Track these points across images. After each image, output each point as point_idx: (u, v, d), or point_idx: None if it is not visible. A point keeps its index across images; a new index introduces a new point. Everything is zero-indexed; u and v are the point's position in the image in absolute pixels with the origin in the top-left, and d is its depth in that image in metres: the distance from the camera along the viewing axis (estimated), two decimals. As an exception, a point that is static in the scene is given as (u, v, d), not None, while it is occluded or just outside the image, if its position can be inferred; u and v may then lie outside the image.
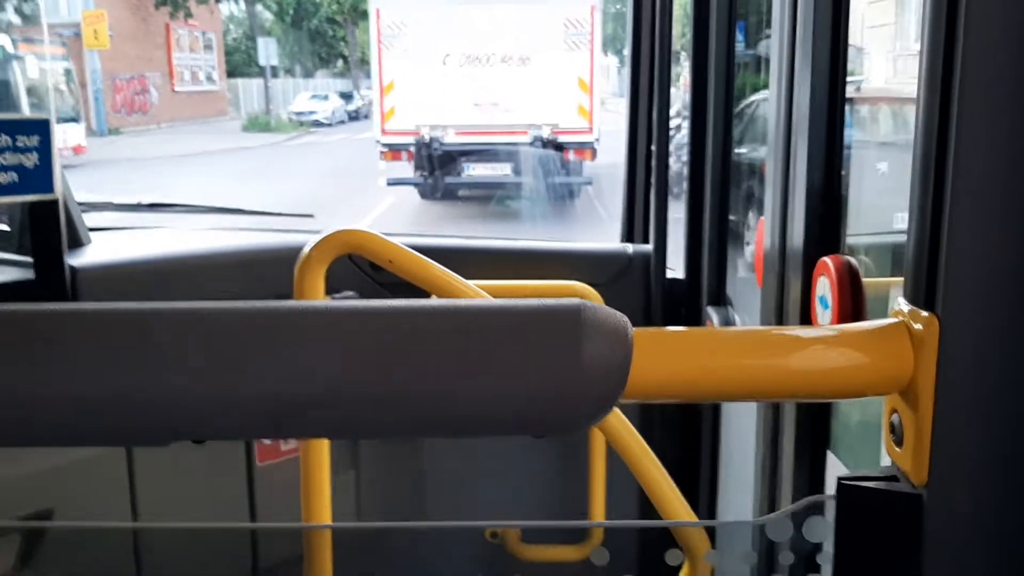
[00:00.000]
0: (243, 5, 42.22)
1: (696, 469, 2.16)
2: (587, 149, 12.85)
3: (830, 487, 1.40)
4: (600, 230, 11.20)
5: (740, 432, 1.92)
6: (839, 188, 1.39)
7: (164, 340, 0.52)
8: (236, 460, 2.12)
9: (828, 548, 0.62)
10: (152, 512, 1.98)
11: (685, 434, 2.21)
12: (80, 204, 2.25)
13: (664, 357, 0.58)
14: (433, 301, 0.55)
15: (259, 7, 41.18)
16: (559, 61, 12.91)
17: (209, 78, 34.82)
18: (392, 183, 13.35)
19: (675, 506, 1.34)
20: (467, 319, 0.53)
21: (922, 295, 0.60)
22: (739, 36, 2.20)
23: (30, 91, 15.16)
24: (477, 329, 0.53)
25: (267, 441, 2.13)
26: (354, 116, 33.73)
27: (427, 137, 12.89)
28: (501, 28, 12.95)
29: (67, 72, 17.72)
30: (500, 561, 2.27)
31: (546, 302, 0.54)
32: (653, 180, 2.41)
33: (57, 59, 17.82)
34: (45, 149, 1.80)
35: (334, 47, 42.76)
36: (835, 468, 1.38)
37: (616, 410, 0.54)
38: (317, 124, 31.22)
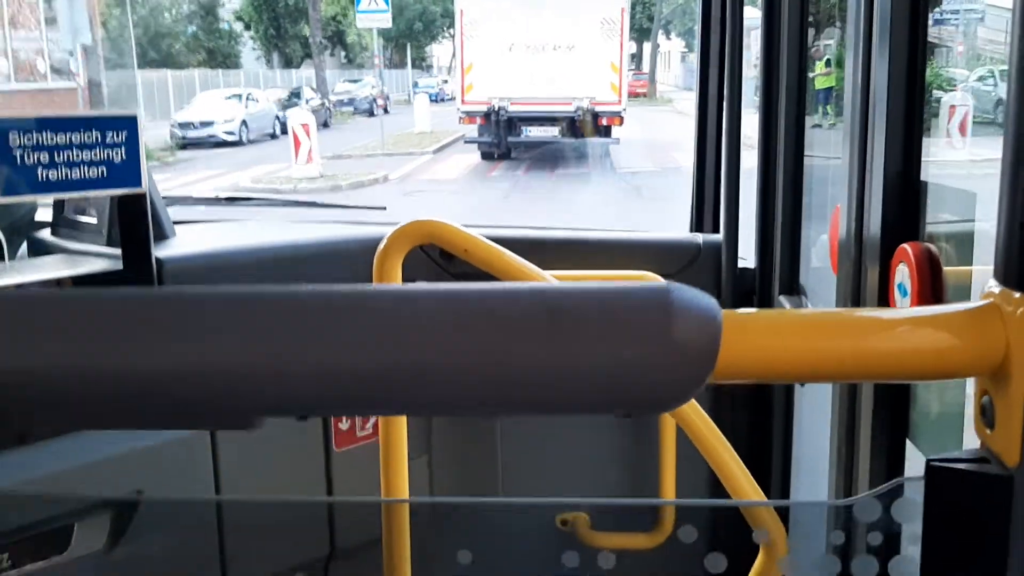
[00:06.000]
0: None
1: (768, 452, 2.13)
2: (616, 116, 17.34)
3: (909, 473, 1.37)
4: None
5: (813, 415, 1.90)
6: (918, 173, 1.36)
7: (262, 321, 0.54)
8: (314, 446, 2.18)
9: (914, 530, 0.62)
10: (233, 487, 2.04)
11: (757, 416, 2.19)
12: (163, 198, 2.33)
13: (753, 338, 0.59)
14: (527, 284, 0.56)
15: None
16: (596, 50, 17.11)
17: (57, 70, 21.32)
18: (468, 141, 18.24)
19: (746, 490, 1.33)
20: (560, 300, 0.54)
21: (1014, 276, 0.59)
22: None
23: None
24: (569, 310, 0.54)
25: (344, 427, 2.19)
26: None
27: (496, 106, 17.10)
28: (553, 24, 17.12)
29: None
30: (571, 548, 2.28)
31: (636, 284, 0.55)
32: (723, 168, 2.38)
33: None
34: (132, 144, 1.87)
35: (324, 30, 35.12)
36: (913, 457, 1.36)
37: None
38: (199, 143, 20.83)
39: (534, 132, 17.47)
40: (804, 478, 2.05)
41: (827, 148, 1.96)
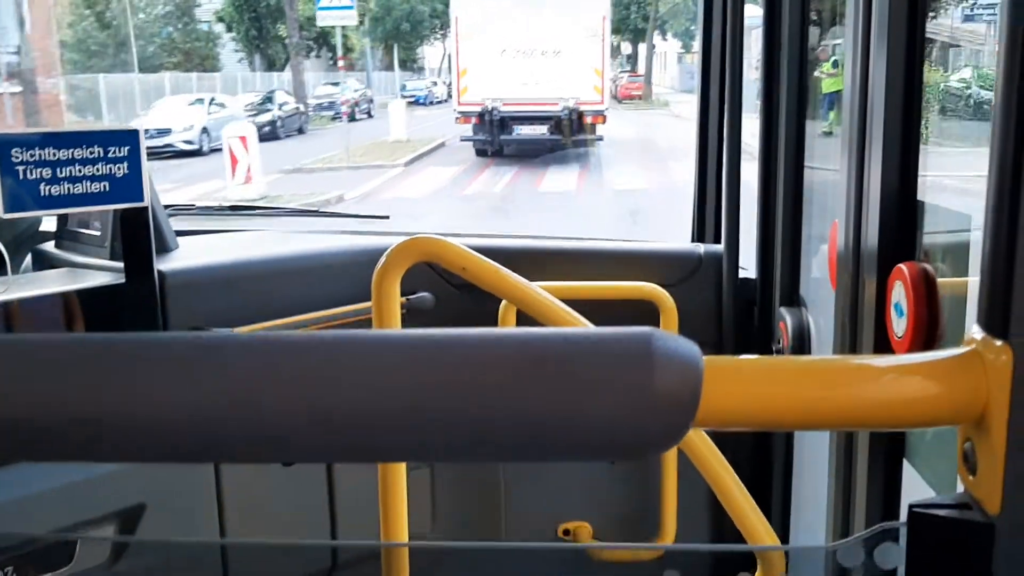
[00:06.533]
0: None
1: (768, 484, 2.13)
2: (600, 115, 18.92)
3: (906, 501, 1.39)
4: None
5: (814, 448, 1.90)
6: (915, 191, 1.37)
7: (249, 368, 0.55)
8: None
9: (900, 574, 0.62)
10: (236, 501, 2.06)
11: (758, 450, 2.19)
12: (165, 207, 2.34)
13: (735, 386, 0.59)
14: (505, 330, 0.57)
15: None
16: (581, 54, 18.69)
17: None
18: (465, 139, 19.54)
19: (752, 522, 1.33)
20: (539, 348, 0.54)
21: (997, 323, 0.59)
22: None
23: None
24: (549, 359, 0.54)
25: None
26: (270, 133, 22.85)
27: (489, 107, 18.56)
28: (542, 31, 18.67)
29: None
30: (572, 557, 2.29)
31: (617, 331, 0.55)
32: (724, 177, 2.38)
33: None
34: (135, 158, 1.88)
35: (307, 30, 32.63)
36: (912, 479, 1.37)
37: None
38: (155, 153, 18.14)
39: (525, 131, 19.07)
40: (805, 511, 2.04)
41: (834, 158, 1.95)
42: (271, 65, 35.98)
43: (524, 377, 0.53)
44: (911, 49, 1.35)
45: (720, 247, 2.37)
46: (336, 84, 33.46)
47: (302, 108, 27.71)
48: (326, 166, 19.18)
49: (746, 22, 2.33)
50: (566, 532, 2.40)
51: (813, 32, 2.01)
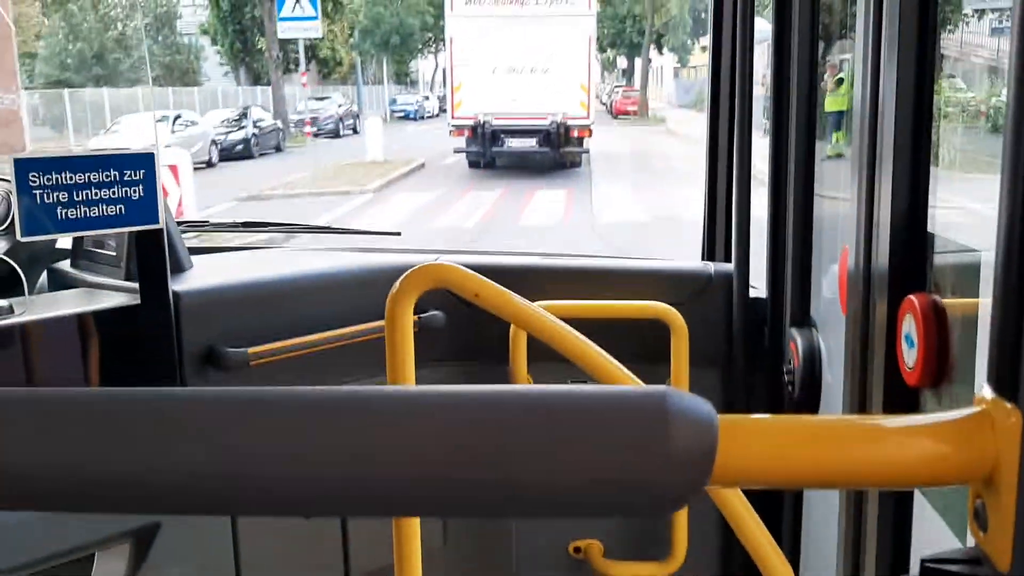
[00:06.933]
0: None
1: (778, 527, 2.11)
2: (586, 128, 20.24)
3: (917, 538, 1.39)
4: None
5: (825, 492, 1.89)
6: (925, 222, 1.37)
7: (268, 425, 0.55)
8: None
9: None
10: (250, 521, 2.06)
11: (769, 494, 2.17)
12: (179, 223, 2.36)
13: (749, 447, 0.59)
14: (521, 389, 0.58)
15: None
16: (568, 71, 19.96)
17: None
18: (458, 151, 20.87)
19: (771, 559, 1.34)
20: (552, 406, 0.55)
21: (1006, 384, 0.60)
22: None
23: None
24: (562, 417, 0.54)
25: None
26: (243, 151, 23.36)
27: (481, 120, 19.85)
28: (531, 50, 19.96)
29: None
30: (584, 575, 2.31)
31: (631, 390, 0.56)
32: (734, 195, 2.37)
33: None
34: (150, 181, 1.90)
35: (294, 43, 29.32)
36: (923, 510, 1.38)
37: None
38: None
39: (515, 143, 20.30)
40: (816, 545, 2.02)
41: (841, 182, 1.95)
42: (257, 79, 35.04)
43: (538, 438, 0.53)
44: (921, 67, 1.35)
45: (730, 266, 2.36)
46: (321, 99, 32.48)
47: (280, 124, 27.03)
48: (287, 192, 17.84)
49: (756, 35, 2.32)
50: (577, 549, 2.41)
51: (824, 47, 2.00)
